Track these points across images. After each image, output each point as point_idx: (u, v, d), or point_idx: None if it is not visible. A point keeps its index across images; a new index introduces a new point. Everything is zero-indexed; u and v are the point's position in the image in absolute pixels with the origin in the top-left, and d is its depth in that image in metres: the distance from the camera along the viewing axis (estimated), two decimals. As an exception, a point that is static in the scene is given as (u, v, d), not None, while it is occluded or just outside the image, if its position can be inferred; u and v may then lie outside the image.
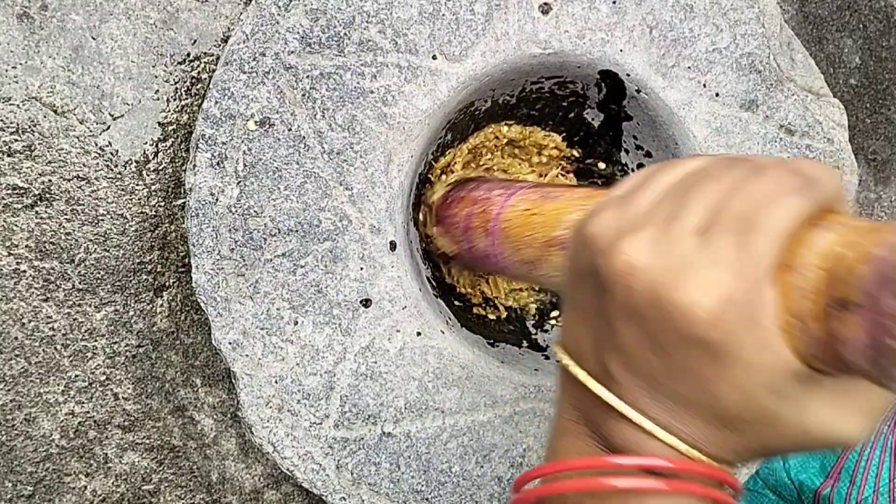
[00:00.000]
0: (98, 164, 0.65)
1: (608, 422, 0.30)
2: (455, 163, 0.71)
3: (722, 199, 0.27)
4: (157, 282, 0.68)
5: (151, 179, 0.67)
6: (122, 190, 0.66)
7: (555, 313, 0.77)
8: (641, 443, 0.29)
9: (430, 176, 0.72)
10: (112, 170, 0.66)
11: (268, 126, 0.58)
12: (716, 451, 0.28)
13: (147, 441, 0.69)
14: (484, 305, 0.75)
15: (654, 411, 0.28)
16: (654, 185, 0.30)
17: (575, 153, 0.76)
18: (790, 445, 0.28)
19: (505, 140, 0.74)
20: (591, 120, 0.74)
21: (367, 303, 0.60)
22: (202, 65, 0.67)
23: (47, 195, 0.64)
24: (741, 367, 0.26)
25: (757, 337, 0.25)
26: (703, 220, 0.27)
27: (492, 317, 0.74)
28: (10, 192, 0.64)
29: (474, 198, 0.61)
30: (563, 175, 0.77)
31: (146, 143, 0.66)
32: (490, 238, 0.57)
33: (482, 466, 0.63)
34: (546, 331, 0.75)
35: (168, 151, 0.67)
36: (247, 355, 0.58)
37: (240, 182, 0.57)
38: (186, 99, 0.67)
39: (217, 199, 0.57)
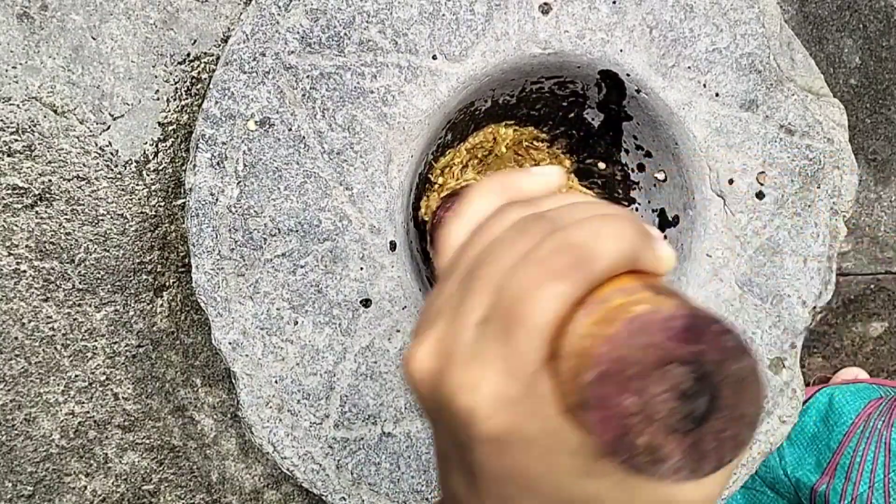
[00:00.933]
0: (98, 164, 0.65)
1: None
2: (454, 164, 0.71)
3: (501, 280, 0.25)
4: (157, 282, 0.68)
5: (151, 179, 0.67)
6: (122, 190, 0.66)
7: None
8: None
9: (430, 176, 0.72)
10: (112, 170, 0.66)
11: (268, 126, 0.58)
12: None
13: (147, 441, 0.69)
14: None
15: None
16: (458, 268, 0.29)
17: (567, 162, 0.76)
18: None
19: (504, 141, 0.74)
20: (591, 120, 0.74)
21: (367, 303, 0.60)
22: (202, 65, 0.67)
23: (47, 195, 0.64)
24: (543, 457, 0.24)
25: (543, 427, 0.24)
26: (485, 310, 0.25)
27: None
28: (10, 192, 0.64)
29: (440, 217, 0.61)
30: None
31: (146, 143, 0.66)
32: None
33: (482, 466, 0.63)
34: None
35: (168, 151, 0.67)
36: (247, 355, 0.58)
37: (240, 182, 0.57)
38: (186, 99, 0.67)
39: (217, 199, 0.57)
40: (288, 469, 0.59)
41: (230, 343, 0.58)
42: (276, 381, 0.58)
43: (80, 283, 0.66)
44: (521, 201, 0.30)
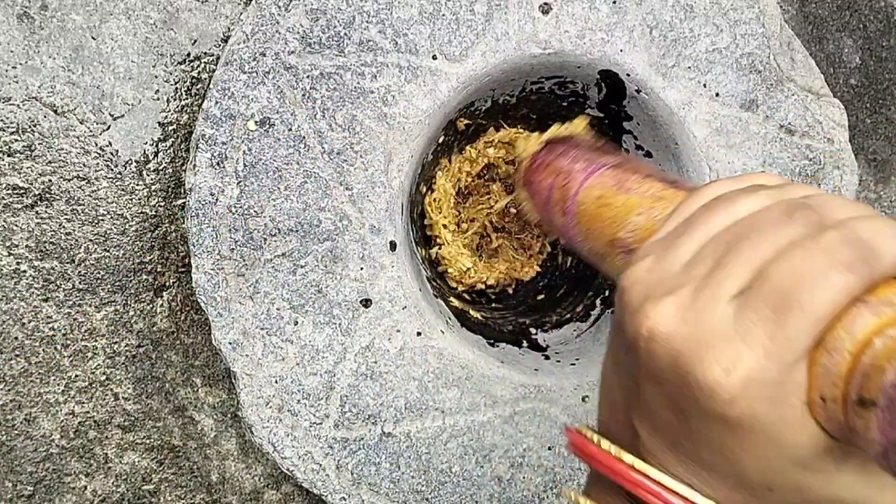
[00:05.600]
0: (98, 164, 0.65)
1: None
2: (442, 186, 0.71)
3: (765, 264, 0.25)
4: (157, 282, 0.68)
5: (151, 179, 0.67)
6: (122, 190, 0.66)
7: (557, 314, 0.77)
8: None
9: (433, 179, 0.72)
10: (112, 170, 0.66)
11: (268, 126, 0.58)
12: None
13: (147, 441, 0.69)
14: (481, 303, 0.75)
15: (679, 471, 0.28)
16: (698, 231, 0.28)
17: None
18: None
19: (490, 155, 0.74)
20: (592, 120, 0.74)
21: (367, 303, 0.60)
22: (202, 65, 0.67)
23: (47, 195, 0.64)
24: (764, 442, 0.25)
25: (781, 415, 0.24)
26: (741, 285, 0.25)
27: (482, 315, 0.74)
28: (10, 192, 0.64)
29: (558, 167, 0.59)
30: None
31: (146, 143, 0.66)
32: (566, 218, 0.55)
33: (482, 466, 0.63)
34: (546, 331, 0.75)
35: (168, 151, 0.67)
36: (247, 355, 0.58)
37: (240, 182, 0.57)
38: (186, 99, 0.67)
39: (217, 199, 0.57)
40: (288, 469, 0.59)
41: (230, 343, 0.58)
42: (276, 381, 0.58)
43: (80, 283, 0.66)
44: (765, 185, 0.30)
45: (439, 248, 0.72)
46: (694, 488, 0.27)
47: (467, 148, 0.73)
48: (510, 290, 0.78)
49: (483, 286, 0.75)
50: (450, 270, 0.73)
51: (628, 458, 0.29)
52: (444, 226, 0.72)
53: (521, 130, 0.74)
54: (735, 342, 0.24)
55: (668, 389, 0.26)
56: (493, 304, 0.77)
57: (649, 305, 0.27)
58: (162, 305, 0.68)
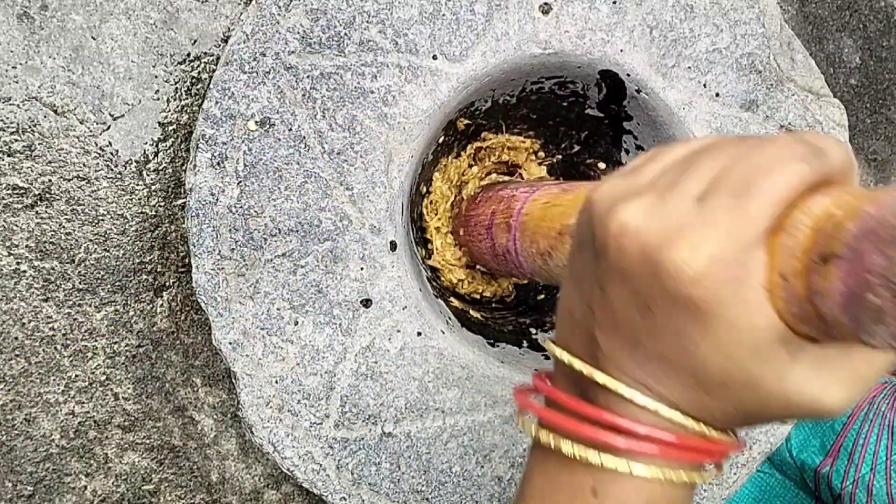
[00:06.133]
0: (98, 164, 0.65)
1: (597, 394, 0.30)
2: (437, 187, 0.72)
3: (724, 167, 0.27)
4: (157, 282, 0.68)
5: (151, 179, 0.67)
6: (123, 190, 0.66)
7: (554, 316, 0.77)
8: (624, 408, 0.29)
9: (431, 177, 0.72)
10: (112, 170, 0.66)
11: (268, 126, 0.58)
12: (696, 413, 0.29)
13: (147, 441, 0.69)
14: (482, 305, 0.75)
15: (637, 374, 0.29)
16: (662, 158, 0.31)
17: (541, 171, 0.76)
18: (771, 412, 0.28)
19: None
20: (592, 119, 0.74)
21: (367, 303, 0.60)
22: (202, 65, 0.67)
23: (47, 195, 0.64)
24: (724, 326, 0.26)
25: (742, 297, 0.26)
26: (703, 187, 0.27)
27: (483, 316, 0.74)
28: (10, 192, 0.64)
29: (500, 196, 0.62)
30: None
31: (146, 143, 0.66)
32: (510, 233, 0.57)
33: (482, 466, 0.63)
34: (546, 331, 0.75)
35: (168, 151, 0.67)
36: (247, 355, 0.58)
37: (240, 182, 0.57)
38: (186, 99, 0.67)
39: (217, 199, 0.57)
40: (288, 469, 0.59)
41: (230, 343, 0.58)
42: (276, 381, 0.58)
43: (80, 283, 0.66)
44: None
45: (430, 257, 0.72)
46: (650, 389, 0.29)
47: (463, 152, 0.73)
48: (510, 290, 0.78)
49: (478, 296, 0.75)
50: (442, 279, 0.73)
51: (597, 375, 0.30)
52: (437, 229, 0.72)
53: (510, 138, 0.74)
54: (699, 227, 0.26)
55: (635, 283, 0.28)
56: (493, 305, 0.77)
57: (619, 206, 0.28)
58: (162, 305, 0.68)
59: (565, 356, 0.31)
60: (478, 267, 0.73)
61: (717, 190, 0.27)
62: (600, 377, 0.29)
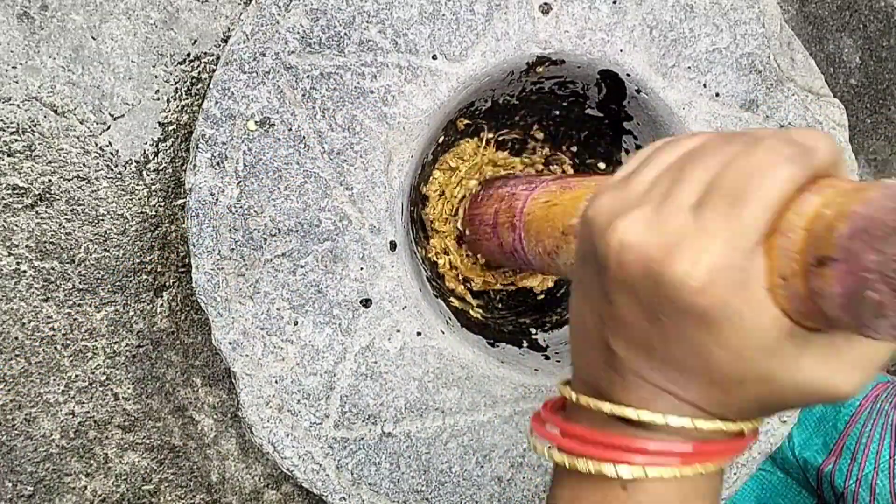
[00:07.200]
0: (98, 164, 0.65)
1: (612, 420, 0.31)
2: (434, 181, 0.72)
3: (716, 174, 0.28)
4: (157, 282, 0.68)
5: (151, 179, 0.67)
6: (123, 190, 0.66)
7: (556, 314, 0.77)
8: (636, 429, 0.30)
9: (430, 175, 0.72)
10: (112, 170, 0.66)
11: (268, 126, 0.58)
12: (715, 410, 0.29)
13: (147, 441, 0.69)
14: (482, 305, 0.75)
15: (654, 378, 0.29)
16: (653, 164, 0.31)
17: (567, 163, 0.76)
18: (787, 402, 0.29)
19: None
20: (592, 119, 0.74)
21: (367, 303, 0.60)
22: (202, 65, 0.67)
23: (47, 195, 0.64)
24: (732, 330, 0.27)
25: (746, 301, 0.26)
26: (697, 196, 0.28)
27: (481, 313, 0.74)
28: (10, 192, 0.64)
29: (501, 195, 0.63)
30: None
31: (146, 143, 0.66)
32: (515, 232, 0.58)
33: (482, 466, 0.63)
34: (546, 331, 0.75)
35: (168, 151, 0.67)
36: (247, 355, 0.58)
37: (240, 182, 0.57)
38: (186, 99, 0.67)
39: (217, 199, 0.57)
40: (288, 469, 0.59)
41: (230, 343, 0.58)
42: (276, 381, 0.58)
43: (80, 283, 0.66)
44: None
45: (435, 255, 0.72)
46: (669, 392, 0.29)
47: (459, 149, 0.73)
48: (510, 290, 0.78)
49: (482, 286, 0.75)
50: (442, 271, 0.73)
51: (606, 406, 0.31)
52: (435, 217, 0.72)
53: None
54: (698, 238, 0.27)
55: (641, 295, 0.28)
56: (493, 305, 0.77)
57: (618, 222, 0.29)
58: (162, 305, 0.68)
59: (573, 395, 0.32)
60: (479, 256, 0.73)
61: (710, 199, 0.27)
62: (607, 407, 0.30)
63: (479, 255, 0.72)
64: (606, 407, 0.30)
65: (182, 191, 0.67)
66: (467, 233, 0.70)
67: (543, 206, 0.54)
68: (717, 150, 0.29)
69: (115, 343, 0.67)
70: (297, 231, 0.58)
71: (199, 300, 0.57)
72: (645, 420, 0.29)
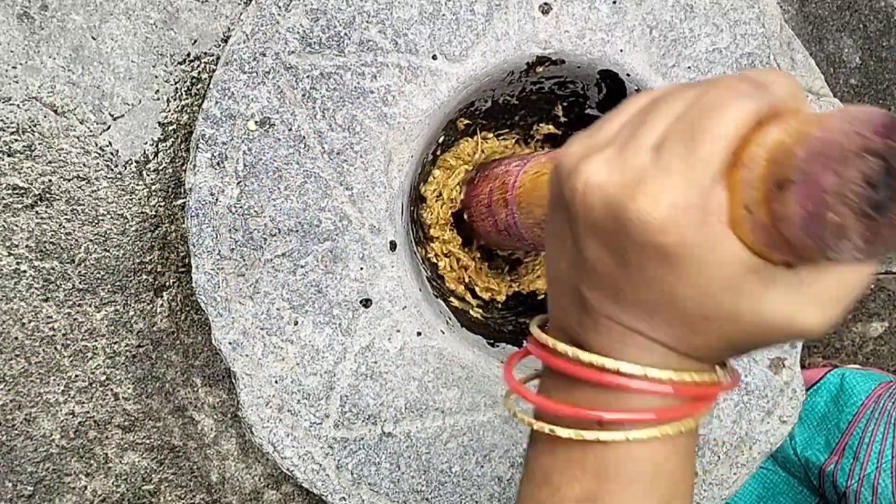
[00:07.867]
0: (98, 164, 0.65)
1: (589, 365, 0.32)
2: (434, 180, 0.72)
3: (676, 116, 0.28)
4: (157, 282, 0.68)
5: (151, 179, 0.67)
6: (123, 190, 0.66)
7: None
8: (613, 378, 0.31)
9: (430, 175, 0.72)
10: (112, 170, 0.66)
11: (268, 126, 0.58)
12: (685, 349, 0.30)
13: (147, 441, 0.69)
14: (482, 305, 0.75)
15: (624, 319, 0.30)
16: (620, 114, 0.32)
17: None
18: (755, 339, 0.29)
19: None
20: (592, 118, 0.74)
21: (367, 303, 0.60)
22: (202, 65, 0.67)
23: (47, 195, 0.64)
24: (695, 267, 0.27)
25: (708, 236, 0.26)
26: (658, 137, 0.28)
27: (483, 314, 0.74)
28: (10, 192, 0.64)
29: (495, 174, 0.63)
30: None
31: (146, 143, 0.66)
32: (508, 207, 0.58)
33: (482, 466, 0.63)
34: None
35: (168, 151, 0.67)
36: (247, 355, 0.58)
37: (240, 182, 0.57)
38: (186, 99, 0.67)
39: (217, 199, 0.57)
40: (288, 469, 0.59)
41: (230, 343, 0.58)
42: (276, 381, 0.58)
43: (80, 283, 0.66)
44: None
45: (435, 256, 0.72)
46: (640, 333, 0.30)
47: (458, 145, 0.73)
48: (511, 292, 0.78)
49: (486, 293, 0.75)
50: (442, 272, 0.73)
51: (585, 356, 0.31)
52: (433, 222, 0.72)
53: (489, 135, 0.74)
54: (657, 177, 0.27)
55: (606, 237, 0.29)
56: (494, 305, 0.77)
57: (582, 164, 0.29)
58: (162, 305, 0.68)
59: (550, 341, 0.33)
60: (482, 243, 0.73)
61: (669, 138, 0.27)
62: (585, 357, 0.31)
63: (479, 241, 0.72)
64: (585, 357, 0.31)
65: (182, 191, 0.67)
66: (465, 217, 0.70)
67: (533, 178, 0.54)
68: (678, 95, 0.29)
69: (115, 343, 0.67)
70: (297, 231, 0.58)
71: (199, 300, 0.57)
72: (624, 371, 0.30)
